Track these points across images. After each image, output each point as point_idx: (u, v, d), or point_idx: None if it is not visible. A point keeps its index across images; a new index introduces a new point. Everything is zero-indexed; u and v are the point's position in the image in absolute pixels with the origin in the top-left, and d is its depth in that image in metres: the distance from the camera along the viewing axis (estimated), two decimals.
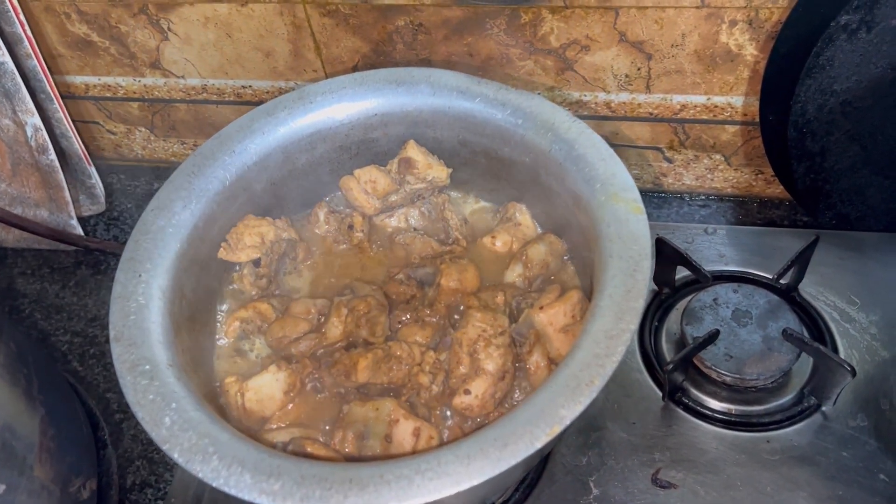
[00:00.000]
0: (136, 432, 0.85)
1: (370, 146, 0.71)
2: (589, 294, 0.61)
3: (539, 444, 0.46)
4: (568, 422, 0.47)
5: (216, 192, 0.64)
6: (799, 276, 0.78)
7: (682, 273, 0.81)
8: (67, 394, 0.71)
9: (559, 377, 0.49)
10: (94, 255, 1.05)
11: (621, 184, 0.58)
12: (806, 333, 0.73)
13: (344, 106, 0.69)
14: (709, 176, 0.98)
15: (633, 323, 0.50)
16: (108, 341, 0.94)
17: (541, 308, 0.59)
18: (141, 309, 0.56)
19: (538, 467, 0.71)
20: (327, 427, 0.60)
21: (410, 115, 0.69)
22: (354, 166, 0.71)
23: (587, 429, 0.73)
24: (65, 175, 0.99)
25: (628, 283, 0.52)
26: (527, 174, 0.66)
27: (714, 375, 0.73)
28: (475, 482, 0.46)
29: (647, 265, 0.53)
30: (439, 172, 0.69)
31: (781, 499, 0.66)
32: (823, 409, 0.71)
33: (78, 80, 1.02)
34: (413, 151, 0.69)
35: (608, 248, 0.55)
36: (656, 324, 0.79)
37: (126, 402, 0.86)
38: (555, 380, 0.49)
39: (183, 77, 0.97)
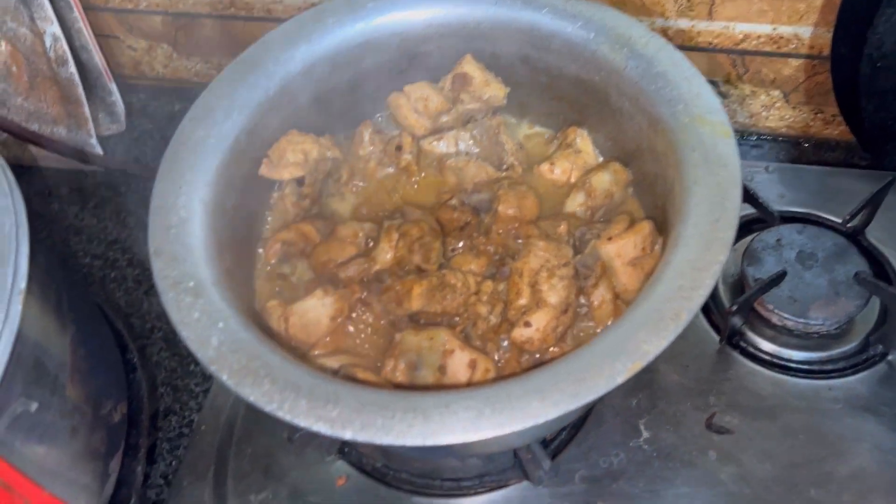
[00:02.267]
0: (160, 359, 0.82)
1: (422, 60, 0.66)
2: (657, 226, 0.57)
3: (620, 380, 0.43)
4: (651, 357, 0.44)
5: (259, 103, 0.59)
6: (867, 220, 0.74)
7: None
8: (95, 314, 0.67)
9: (639, 310, 0.46)
10: (115, 175, 1.00)
11: (707, 105, 0.53)
12: None
13: (396, 15, 0.63)
14: (764, 114, 0.93)
15: (723, 254, 0.46)
16: (129, 265, 0.93)
17: (609, 239, 0.55)
18: (183, 223, 0.52)
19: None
20: (374, 356, 0.56)
21: (468, 27, 0.63)
22: (404, 82, 0.66)
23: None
24: (84, 91, 0.94)
25: (716, 211, 0.48)
26: (594, 95, 0.61)
27: (775, 319, 0.69)
28: (550, 417, 0.42)
29: (737, 193, 0.48)
30: (497, 91, 0.64)
31: (843, 449, 0.64)
32: (890, 357, 0.68)
33: None
34: (470, 66, 0.64)
35: (692, 174, 0.50)
36: None
37: (148, 327, 0.85)
38: (634, 313, 0.46)
39: None
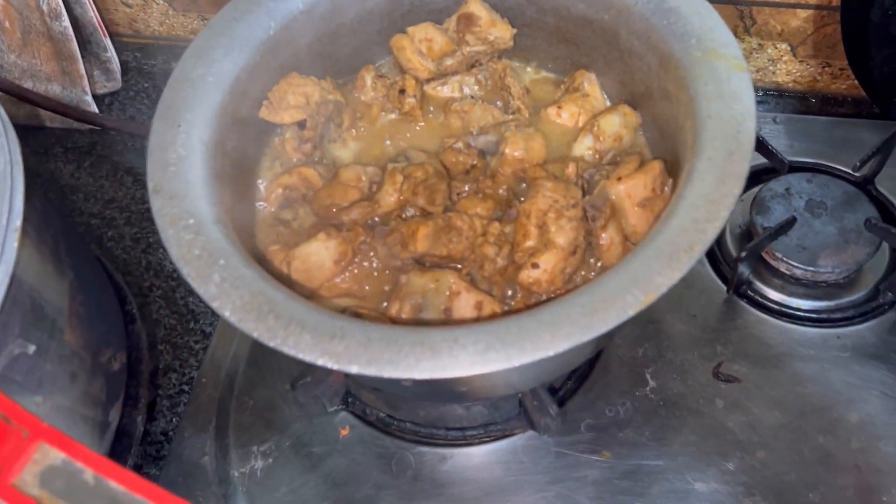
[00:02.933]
0: (159, 316, 0.81)
1: (426, 1, 0.64)
2: (668, 168, 0.55)
3: (632, 312, 0.42)
4: (665, 289, 0.43)
5: (260, 42, 0.58)
6: (877, 168, 0.73)
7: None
8: (93, 264, 0.66)
9: (653, 244, 0.45)
10: (111, 134, 0.99)
11: (720, 39, 0.51)
12: None
13: None
14: (771, 68, 0.92)
15: (737, 187, 0.45)
16: (127, 223, 0.91)
17: (619, 179, 0.54)
18: (181, 160, 0.50)
19: (591, 357, 0.67)
20: (379, 299, 0.55)
21: None
22: (407, 24, 0.64)
23: (643, 320, 0.69)
24: (78, 47, 0.92)
25: (731, 144, 0.47)
26: (603, 35, 0.60)
27: (783, 268, 0.68)
28: (560, 349, 0.41)
29: (751, 126, 0.47)
30: (503, 32, 0.63)
31: (852, 396, 0.63)
32: None
33: None
34: (475, 6, 0.62)
35: (705, 108, 0.49)
36: None
37: (147, 285, 0.84)
38: (647, 247, 0.45)
39: None
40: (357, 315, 0.51)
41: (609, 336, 0.50)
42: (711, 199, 0.45)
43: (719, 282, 0.70)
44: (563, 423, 0.64)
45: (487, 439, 0.65)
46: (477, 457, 0.64)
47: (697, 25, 0.52)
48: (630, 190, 0.54)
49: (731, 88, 0.49)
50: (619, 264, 0.45)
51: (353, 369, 0.42)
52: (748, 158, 0.46)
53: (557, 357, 0.42)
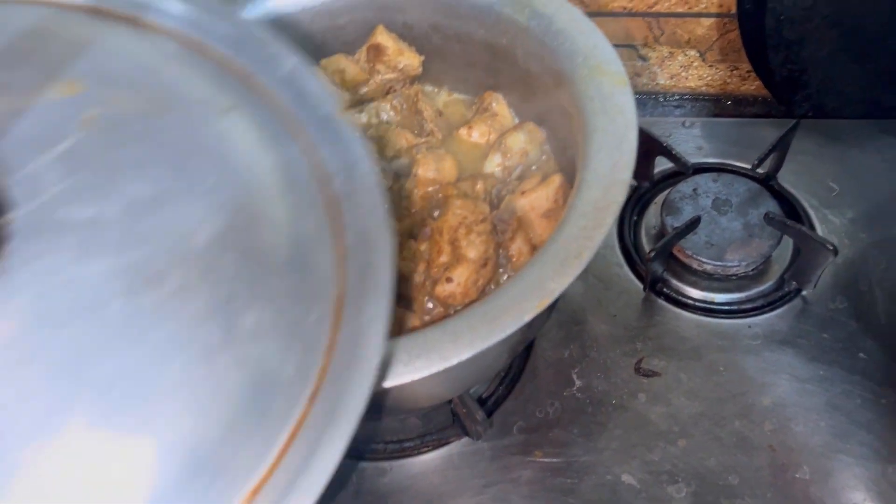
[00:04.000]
0: None
1: (336, 34, 0.67)
2: (572, 180, 0.59)
3: (528, 317, 0.45)
4: (557, 294, 0.46)
5: None
6: (778, 164, 0.77)
7: (660, 167, 0.80)
8: None
9: (547, 252, 0.47)
10: None
11: (603, 56, 0.55)
12: None
13: None
14: (683, 74, 0.96)
15: (621, 195, 0.48)
16: None
17: (522, 193, 0.57)
18: None
19: (520, 362, 0.70)
20: None
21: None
22: (320, 57, 0.67)
23: (568, 322, 0.72)
24: None
25: (614, 155, 0.50)
26: (504, 58, 0.63)
27: (695, 265, 0.72)
28: (464, 357, 0.44)
29: (633, 136, 0.51)
30: (411, 59, 0.66)
31: (764, 381, 0.67)
32: (804, 293, 0.71)
33: None
34: (382, 37, 0.65)
35: (592, 122, 0.52)
36: (635, 218, 0.78)
37: None
38: (543, 255, 0.48)
39: None
40: None
41: (518, 340, 0.53)
42: (598, 207, 0.48)
43: (637, 282, 0.74)
44: (496, 427, 0.66)
45: (425, 449, 0.67)
46: (415, 467, 0.66)
47: (583, 44, 0.56)
48: (533, 203, 0.57)
49: (614, 103, 0.53)
50: (518, 274, 0.48)
51: None
52: (631, 168, 0.50)
53: (462, 366, 0.45)
